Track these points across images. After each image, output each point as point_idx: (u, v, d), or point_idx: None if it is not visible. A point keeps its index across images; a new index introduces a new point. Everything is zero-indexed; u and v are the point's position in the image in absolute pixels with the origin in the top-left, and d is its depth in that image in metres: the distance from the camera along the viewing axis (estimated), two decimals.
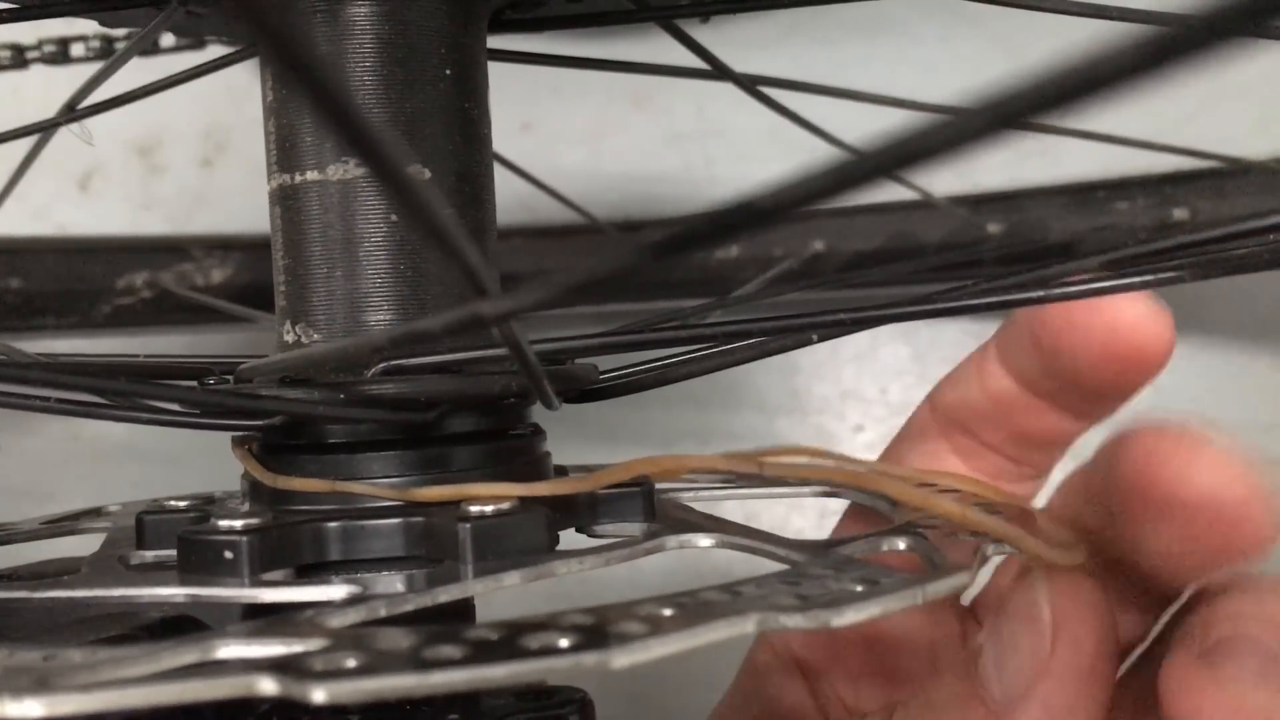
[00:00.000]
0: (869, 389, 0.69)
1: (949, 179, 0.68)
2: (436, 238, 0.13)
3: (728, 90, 0.41)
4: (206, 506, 0.25)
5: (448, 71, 0.24)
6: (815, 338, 0.24)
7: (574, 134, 0.73)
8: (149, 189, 0.73)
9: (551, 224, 0.65)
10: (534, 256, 0.66)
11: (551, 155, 0.72)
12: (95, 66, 0.37)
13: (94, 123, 0.80)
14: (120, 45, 0.49)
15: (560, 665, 0.15)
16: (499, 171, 0.59)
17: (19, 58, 0.47)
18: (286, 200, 0.25)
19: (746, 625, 0.16)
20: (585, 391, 0.26)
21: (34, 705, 0.14)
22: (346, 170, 0.24)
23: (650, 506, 0.25)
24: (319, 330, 0.24)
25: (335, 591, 0.20)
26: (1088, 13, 0.34)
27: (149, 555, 0.24)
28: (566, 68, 0.33)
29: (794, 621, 0.17)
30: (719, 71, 0.32)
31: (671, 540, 0.23)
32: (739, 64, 0.74)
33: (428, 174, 0.24)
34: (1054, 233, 0.59)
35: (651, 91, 0.72)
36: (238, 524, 0.22)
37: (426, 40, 0.24)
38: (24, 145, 0.40)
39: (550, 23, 0.29)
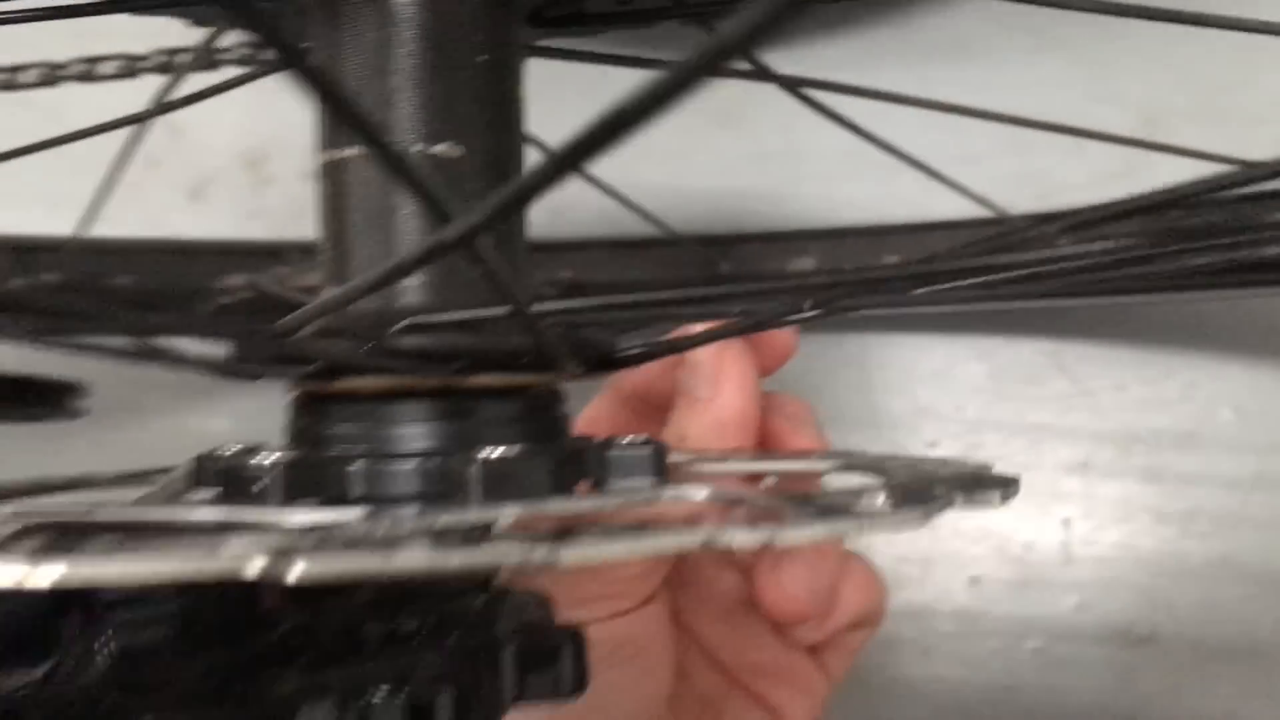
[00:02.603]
0: (945, 406, 0.69)
1: (1028, 200, 0.68)
2: (404, 175, 0.15)
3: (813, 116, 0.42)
4: (256, 450, 0.27)
5: (482, 58, 0.26)
6: (807, 306, 0.25)
7: (659, 151, 0.75)
8: (256, 199, 0.77)
9: (633, 236, 0.67)
10: (616, 267, 0.68)
11: (636, 172, 0.74)
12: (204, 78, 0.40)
13: (208, 137, 0.85)
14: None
15: (512, 557, 0.17)
16: (584, 188, 0.61)
17: (129, 66, 0.50)
18: (331, 174, 0.27)
19: (696, 539, 0.18)
20: (603, 360, 0.27)
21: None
22: None
23: (659, 465, 0.27)
24: None
25: (351, 513, 0.22)
26: (1166, 18, 0.34)
27: (201, 492, 0.26)
28: (605, 65, 0.34)
29: (741, 538, 0.18)
30: (760, 73, 0.34)
31: (668, 492, 0.24)
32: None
33: (460, 151, 0.26)
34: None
35: (737, 111, 0.74)
36: (271, 458, 0.24)
37: (462, 28, 0.26)
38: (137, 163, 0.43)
39: (591, 19, 0.31)
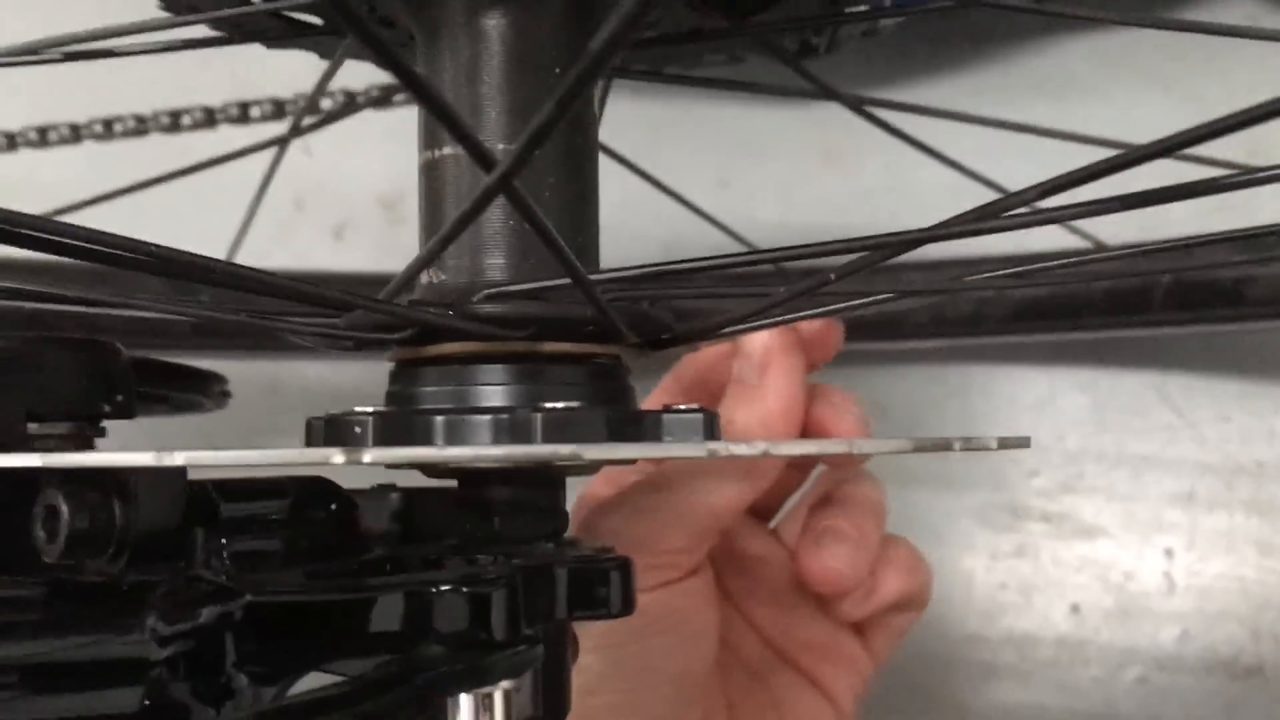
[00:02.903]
0: (1046, 436, 0.71)
1: (1132, 232, 0.69)
2: (455, 128, 0.19)
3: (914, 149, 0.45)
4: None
5: (558, 70, 0.30)
6: (833, 275, 0.28)
7: (767, 190, 0.78)
8: (392, 238, 0.83)
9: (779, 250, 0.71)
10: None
11: (747, 209, 0.78)
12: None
13: (349, 182, 0.91)
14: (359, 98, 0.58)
15: (542, 453, 0.20)
16: (698, 225, 0.64)
17: (278, 109, 0.56)
18: (429, 171, 0.31)
19: (701, 450, 0.21)
20: (661, 335, 0.31)
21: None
22: None
23: (710, 428, 0.30)
24: (446, 272, 0.30)
25: (432, 451, 0.26)
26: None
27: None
28: (680, 85, 0.38)
29: (739, 450, 0.21)
30: (826, 92, 0.37)
31: (716, 446, 0.27)
32: (925, 125, 0.78)
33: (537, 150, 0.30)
34: (1224, 276, 0.59)
35: (842, 149, 0.77)
36: (367, 410, 0.28)
37: (540, 44, 0.30)
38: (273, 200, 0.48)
39: (661, 40, 0.34)
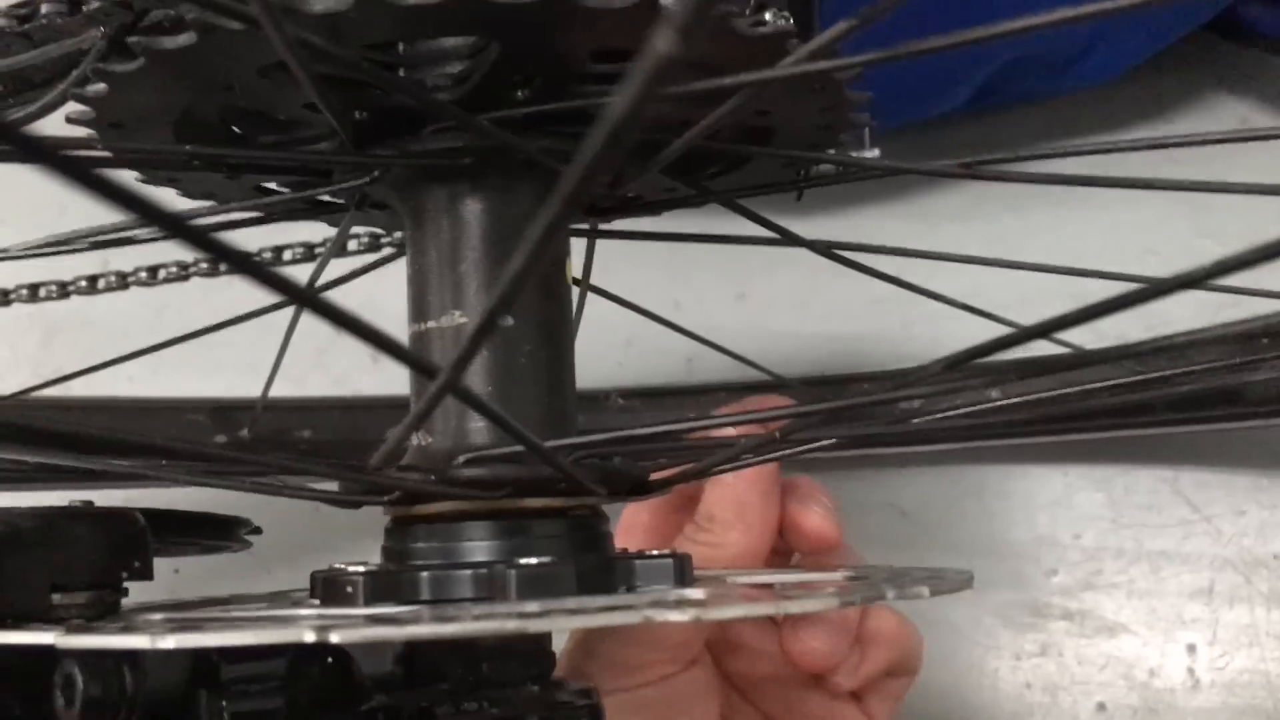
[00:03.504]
0: (1063, 534, 0.72)
1: (1139, 332, 0.71)
2: (393, 351, 0.22)
3: (920, 260, 0.47)
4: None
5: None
6: (778, 434, 0.30)
7: (783, 301, 0.81)
8: None
9: (752, 380, 0.73)
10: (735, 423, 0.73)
11: (763, 320, 0.81)
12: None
13: (388, 308, 0.95)
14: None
15: (487, 628, 0.22)
16: (714, 334, 0.67)
17: (309, 253, 0.60)
18: (417, 342, 0.34)
19: (636, 617, 0.23)
20: (635, 487, 0.33)
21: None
22: (453, 319, 0.33)
23: (681, 573, 0.32)
24: (434, 435, 0.33)
25: (392, 630, 0.28)
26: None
27: (313, 600, 0.33)
28: (653, 241, 0.41)
29: (673, 615, 0.23)
30: (790, 239, 0.40)
31: (651, 613, 0.28)
32: (932, 233, 0.80)
33: (511, 321, 0.33)
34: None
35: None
36: (359, 569, 0.31)
37: (515, 226, 0.33)
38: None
39: (636, 204, 0.37)
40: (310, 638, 0.23)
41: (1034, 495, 0.73)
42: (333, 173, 0.35)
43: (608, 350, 0.83)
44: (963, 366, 0.27)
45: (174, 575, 0.89)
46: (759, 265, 0.82)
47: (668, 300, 0.81)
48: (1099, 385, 0.42)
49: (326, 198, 0.39)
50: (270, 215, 0.39)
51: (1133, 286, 0.21)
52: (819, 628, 0.40)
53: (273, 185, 0.38)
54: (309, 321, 0.57)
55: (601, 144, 0.15)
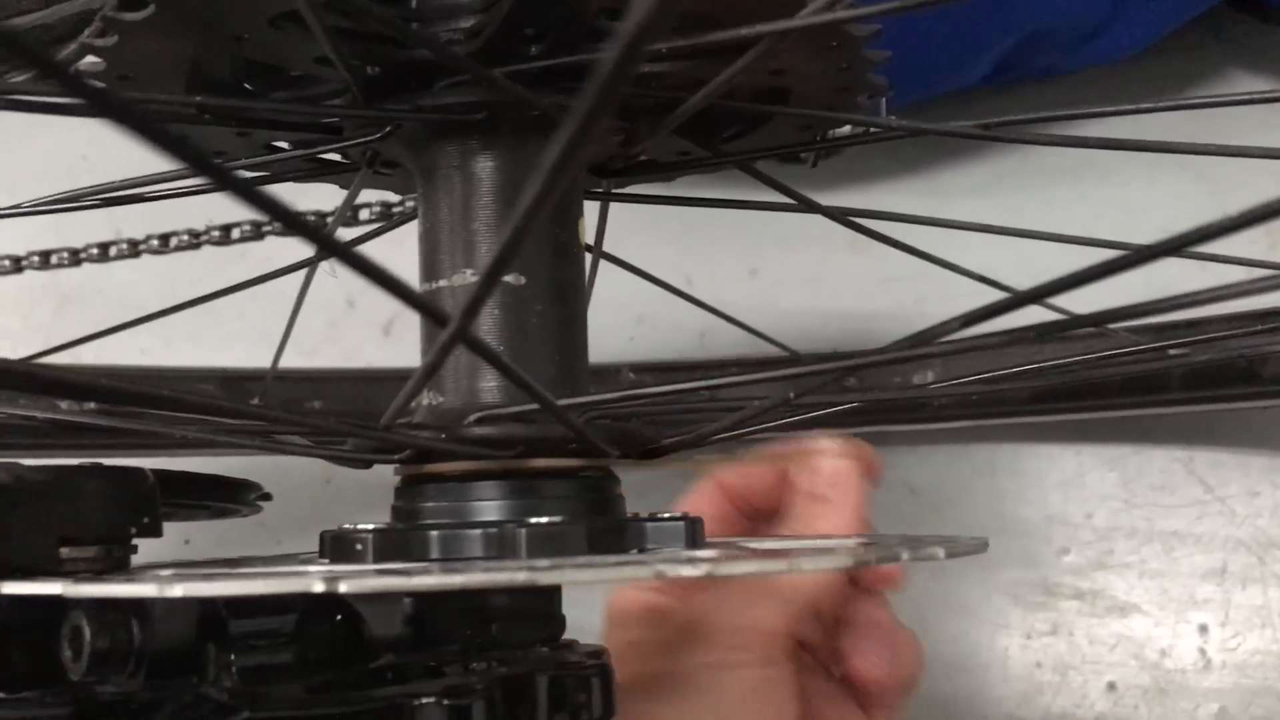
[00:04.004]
0: (1075, 514, 0.71)
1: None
2: (405, 297, 0.21)
3: (938, 235, 0.47)
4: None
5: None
6: (792, 395, 0.30)
7: (796, 278, 0.80)
8: None
9: (765, 356, 0.73)
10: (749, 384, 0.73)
11: (775, 296, 0.80)
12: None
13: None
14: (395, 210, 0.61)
15: (499, 579, 0.22)
16: (727, 309, 0.66)
17: (321, 221, 0.60)
18: (429, 301, 0.34)
19: (648, 572, 0.23)
20: (647, 449, 0.33)
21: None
22: (465, 278, 0.33)
23: (693, 535, 0.32)
24: (445, 394, 0.33)
25: (399, 581, 0.28)
26: None
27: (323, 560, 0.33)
28: (667, 205, 0.41)
29: (685, 570, 0.23)
30: (806, 204, 0.39)
31: (663, 567, 0.28)
32: (948, 209, 0.80)
33: (524, 280, 0.33)
34: (1237, 354, 0.60)
35: (867, 239, 0.79)
36: (368, 527, 0.30)
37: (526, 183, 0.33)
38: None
39: (650, 166, 0.37)
40: (319, 588, 0.23)
41: (1046, 474, 0.72)
42: (344, 130, 0.35)
43: (620, 326, 0.83)
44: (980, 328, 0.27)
45: (185, 546, 0.89)
46: (771, 241, 0.81)
47: (679, 275, 0.80)
48: (1116, 352, 0.42)
49: (337, 157, 0.38)
50: (280, 176, 0.39)
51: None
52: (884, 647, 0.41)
53: (284, 145, 0.38)
54: (320, 293, 0.57)
55: (596, 92, 0.15)
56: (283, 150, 0.37)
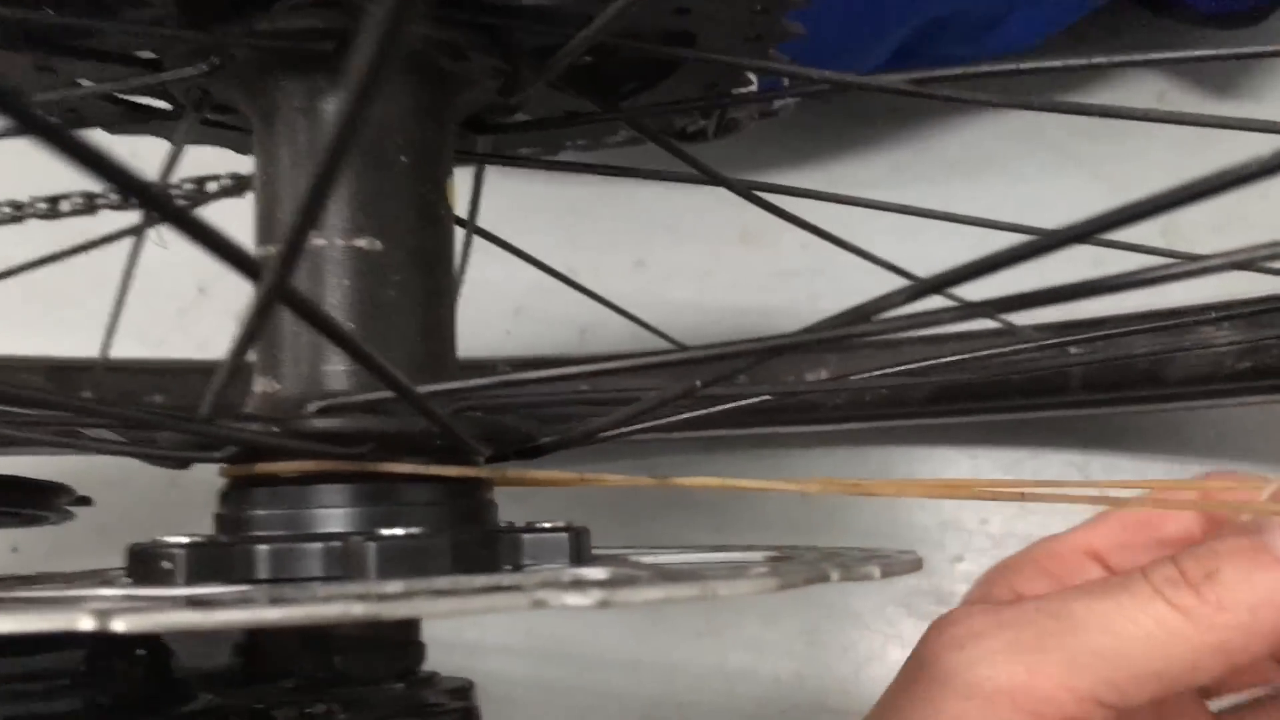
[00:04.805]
0: (969, 519, 0.68)
1: (1049, 311, 0.68)
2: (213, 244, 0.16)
3: (837, 227, 0.43)
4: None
5: (403, 159, 0.28)
6: (699, 384, 0.25)
7: (685, 270, 0.76)
8: None
9: (652, 351, 0.68)
10: (636, 378, 0.69)
11: (663, 290, 0.76)
12: None
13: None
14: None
15: (329, 613, 0.17)
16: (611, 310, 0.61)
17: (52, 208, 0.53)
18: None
19: (524, 601, 0.18)
20: (522, 450, 0.28)
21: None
22: (309, 240, 0.27)
23: (578, 549, 0.27)
24: (282, 381, 0.27)
25: (196, 617, 0.22)
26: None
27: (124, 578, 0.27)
28: (542, 169, 0.36)
29: (574, 600, 0.18)
30: (712, 178, 0.35)
31: (544, 595, 0.23)
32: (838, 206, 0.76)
33: (379, 245, 0.27)
34: (1139, 355, 0.58)
35: (760, 229, 0.75)
36: (182, 540, 0.25)
37: (387, 134, 0.28)
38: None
39: (534, 125, 0.32)
40: (88, 625, 0.17)
41: (940, 477, 0.69)
42: (164, 62, 0.29)
43: (496, 319, 0.78)
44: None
45: (13, 554, 0.81)
46: (659, 231, 0.77)
47: (561, 266, 0.75)
48: (1017, 347, 0.39)
49: (160, 103, 0.32)
50: (87, 122, 0.33)
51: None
52: None
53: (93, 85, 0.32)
54: (169, 279, 0.51)
55: None
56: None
